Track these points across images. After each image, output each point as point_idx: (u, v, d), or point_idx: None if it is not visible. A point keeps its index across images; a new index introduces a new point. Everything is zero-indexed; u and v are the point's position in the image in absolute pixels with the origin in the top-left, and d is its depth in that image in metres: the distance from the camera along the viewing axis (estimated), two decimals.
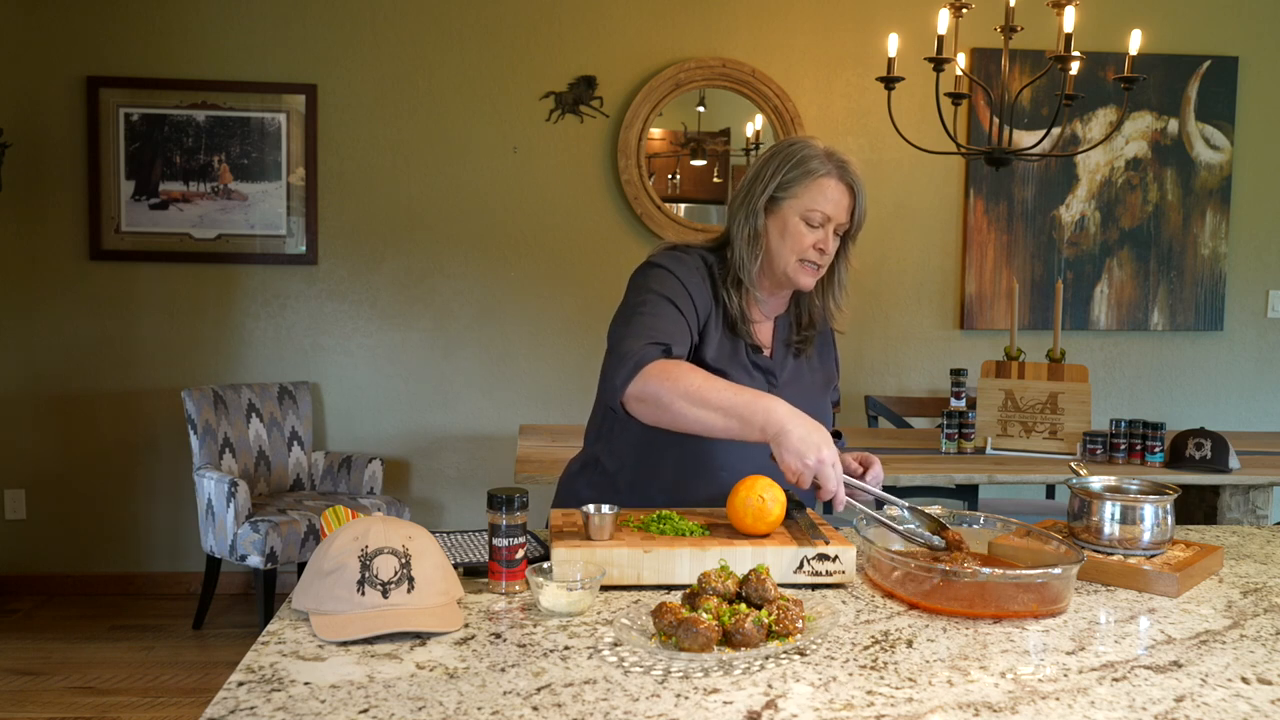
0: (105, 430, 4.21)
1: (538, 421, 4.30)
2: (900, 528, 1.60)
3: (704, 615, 1.19)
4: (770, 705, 1.07)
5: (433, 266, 4.29)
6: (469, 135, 4.26)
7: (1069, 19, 2.94)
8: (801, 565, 1.44)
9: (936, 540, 1.57)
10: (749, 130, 4.36)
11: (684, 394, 1.59)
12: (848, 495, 1.60)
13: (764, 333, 1.89)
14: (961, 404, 3.72)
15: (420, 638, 1.24)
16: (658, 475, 1.82)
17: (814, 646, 1.23)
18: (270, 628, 1.27)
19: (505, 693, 1.09)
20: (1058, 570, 1.36)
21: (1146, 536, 1.57)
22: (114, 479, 4.23)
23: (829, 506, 1.59)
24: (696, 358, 1.77)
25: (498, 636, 1.25)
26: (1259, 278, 4.60)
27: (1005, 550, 1.56)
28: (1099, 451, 3.26)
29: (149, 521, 4.26)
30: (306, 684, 1.10)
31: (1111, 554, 1.56)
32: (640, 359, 1.65)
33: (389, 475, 4.30)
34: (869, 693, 1.11)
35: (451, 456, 4.36)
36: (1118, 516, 1.58)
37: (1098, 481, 1.65)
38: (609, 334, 1.77)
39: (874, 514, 1.60)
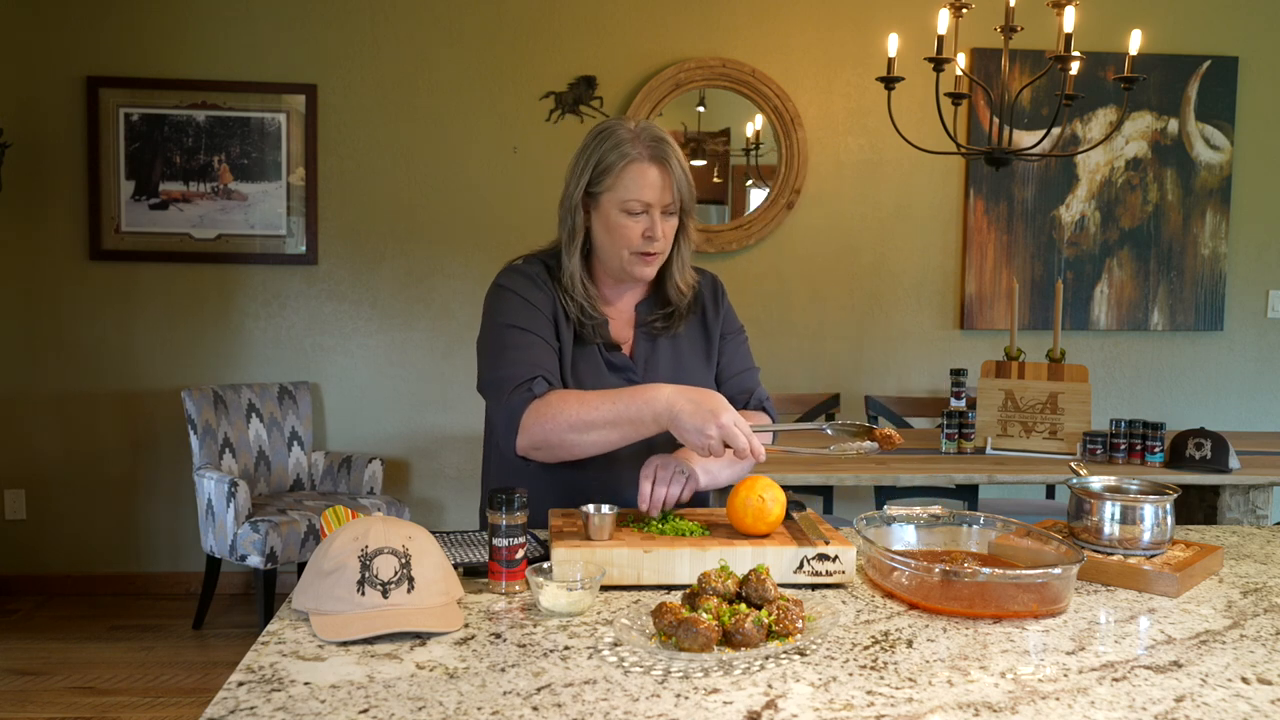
0: (105, 430, 4.21)
1: None
2: (831, 448, 1.61)
3: (704, 615, 1.19)
4: (770, 705, 1.07)
5: (433, 266, 4.29)
6: (469, 135, 4.26)
7: (1069, 19, 2.93)
8: (801, 565, 1.44)
9: (869, 445, 1.58)
10: (749, 130, 4.36)
11: (568, 427, 1.57)
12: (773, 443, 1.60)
13: (621, 324, 1.81)
14: (961, 404, 3.72)
15: (420, 638, 1.24)
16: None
17: (814, 646, 1.23)
18: (270, 628, 1.27)
19: (505, 693, 1.09)
20: (1058, 570, 1.36)
21: (1146, 536, 1.57)
22: (114, 479, 4.23)
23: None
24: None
25: (498, 636, 1.25)
26: (1259, 278, 4.60)
27: (1005, 550, 1.56)
28: (1099, 451, 3.26)
29: (149, 521, 4.26)
30: (306, 684, 1.10)
31: (1111, 554, 1.56)
32: (512, 411, 1.61)
33: (389, 475, 4.30)
34: (869, 693, 1.10)
35: (451, 456, 4.36)
36: (1118, 516, 1.58)
37: (1098, 481, 1.65)
38: (478, 367, 1.73)
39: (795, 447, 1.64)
